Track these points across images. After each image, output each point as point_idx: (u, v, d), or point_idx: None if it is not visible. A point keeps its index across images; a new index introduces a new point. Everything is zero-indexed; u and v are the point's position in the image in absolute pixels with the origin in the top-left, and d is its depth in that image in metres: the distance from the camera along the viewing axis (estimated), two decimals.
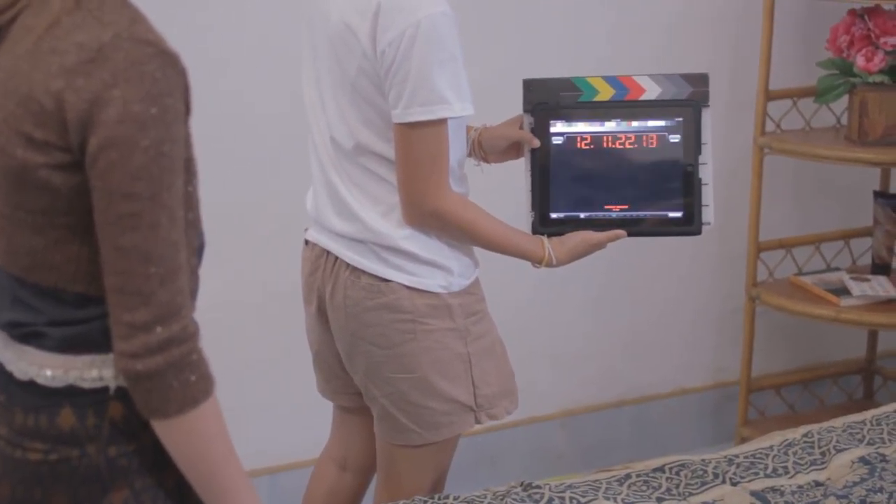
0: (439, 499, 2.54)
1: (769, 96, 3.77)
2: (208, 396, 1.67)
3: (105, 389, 1.71)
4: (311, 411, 3.07)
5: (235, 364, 3.30)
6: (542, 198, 2.69)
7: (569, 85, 2.72)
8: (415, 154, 2.37)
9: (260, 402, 3.49)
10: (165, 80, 1.61)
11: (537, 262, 2.64)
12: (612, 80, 2.75)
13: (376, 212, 2.46)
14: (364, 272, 2.49)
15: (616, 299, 3.99)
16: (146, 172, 1.59)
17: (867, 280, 3.83)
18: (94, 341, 1.69)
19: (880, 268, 3.94)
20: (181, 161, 1.65)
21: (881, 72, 3.59)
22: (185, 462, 1.71)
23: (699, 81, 2.75)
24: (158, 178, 1.60)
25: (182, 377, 1.64)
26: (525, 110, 2.70)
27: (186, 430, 1.67)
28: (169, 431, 1.68)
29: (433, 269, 2.50)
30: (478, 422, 2.60)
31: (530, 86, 2.70)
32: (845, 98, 3.74)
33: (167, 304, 1.62)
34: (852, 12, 3.65)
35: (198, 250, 1.76)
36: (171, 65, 1.63)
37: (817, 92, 3.74)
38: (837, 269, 4.00)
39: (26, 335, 1.72)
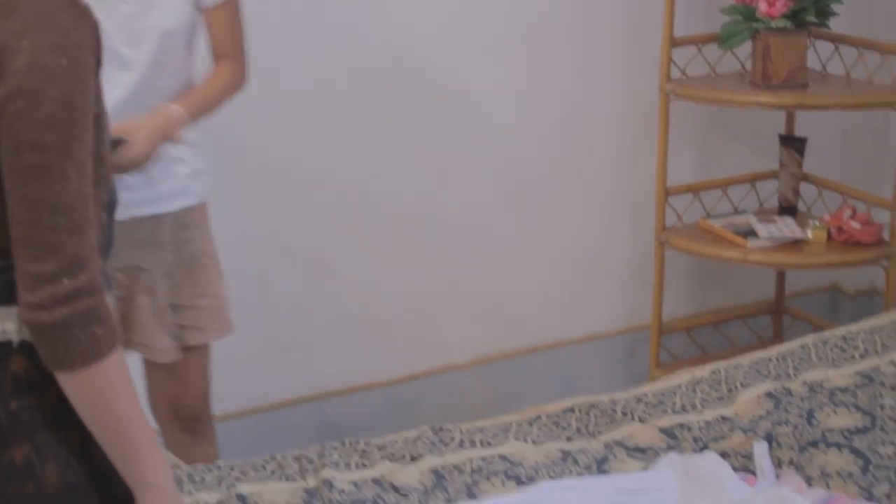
0: (350, 444, 2.55)
1: (674, 43, 3.79)
2: (113, 350, 1.66)
3: (8, 343, 1.70)
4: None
5: None
6: None
7: None
8: None
9: None
10: (76, 31, 1.60)
11: None
12: None
13: None
14: None
15: (527, 247, 4.01)
16: (55, 123, 1.58)
17: (774, 222, 3.88)
18: None
19: (786, 209, 4.00)
20: (91, 114, 1.64)
21: (783, 17, 3.63)
22: (90, 416, 1.69)
23: None
24: (68, 129, 1.59)
25: (88, 330, 1.63)
26: None
27: (91, 384, 1.66)
28: (74, 385, 1.66)
29: None
30: None
31: None
32: (749, 43, 3.78)
33: (74, 255, 1.61)
34: None
35: (108, 206, 1.75)
36: (82, 16, 1.62)
37: (721, 38, 3.77)
38: (745, 212, 4.05)
39: None
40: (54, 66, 1.57)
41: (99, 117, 1.69)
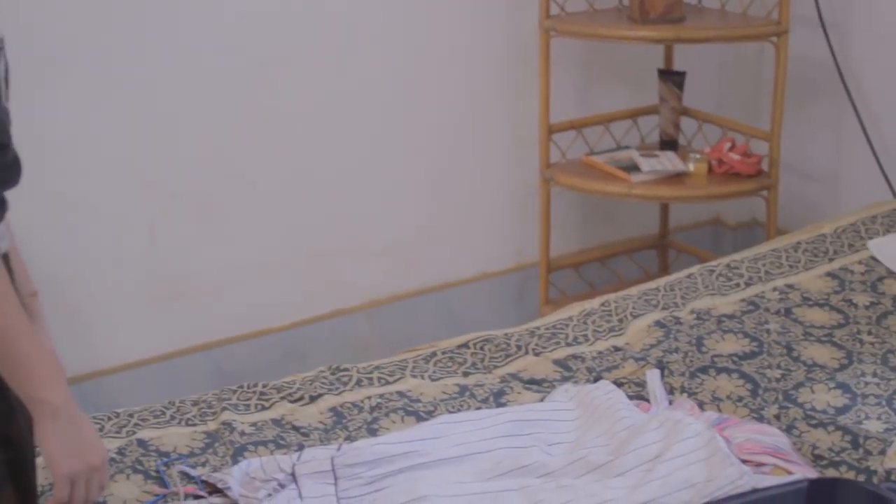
0: (248, 387, 2.56)
1: None
2: None
3: None
4: None
5: None
6: None
7: None
8: None
9: None
10: None
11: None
12: None
13: None
14: None
15: (415, 189, 4.03)
16: None
17: (656, 156, 3.93)
18: None
19: (668, 143, 4.05)
20: None
21: None
22: None
23: None
24: None
25: None
26: None
27: None
28: None
29: None
30: None
31: None
32: None
33: None
34: None
35: None
36: None
37: None
38: (627, 147, 4.10)
39: None
40: None
41: None
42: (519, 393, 2.58)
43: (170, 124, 3.53)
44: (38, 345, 1.71)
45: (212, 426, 2.42)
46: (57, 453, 1.74)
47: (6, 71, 1.85)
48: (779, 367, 2.63)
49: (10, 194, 1.80)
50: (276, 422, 2.45)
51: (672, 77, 4.03)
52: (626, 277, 4.31)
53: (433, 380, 2.63)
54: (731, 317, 2.84)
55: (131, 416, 2.45)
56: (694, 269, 3.14)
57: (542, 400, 2.55)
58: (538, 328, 2.88)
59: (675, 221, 4.50)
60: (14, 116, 1.92)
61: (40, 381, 1.71)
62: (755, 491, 1.98)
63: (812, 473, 2.20)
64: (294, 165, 3.78)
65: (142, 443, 2.34)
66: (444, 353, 2.76)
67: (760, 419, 2.45)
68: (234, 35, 3.57)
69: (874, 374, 2.60)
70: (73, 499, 1.78)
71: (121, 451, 2.31)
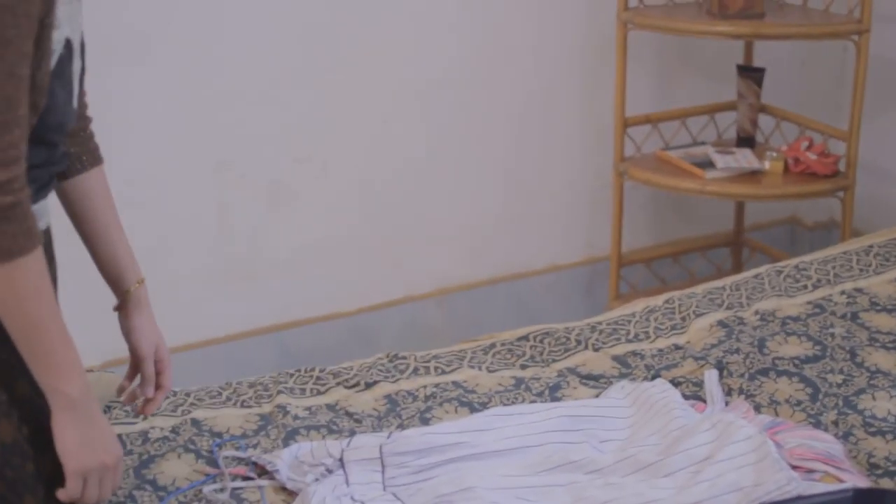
0: (305, 371, 2.57)
1: None
2: (27, 253, 1.66)
3: None
4: None
5: None
6: None
7: None
8: None
9: None
10: None
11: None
12: None
13: None
14: None
15: (489, 177, 4.03)
16: None
17: (732, 153, 3.90)
18: None
19: (744, 140, 4.02)
20: (30, 25, 1.64)
21: None
22: (2, 313, 1.70)
23: None
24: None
25: (3, 227, 1.63)
26: None
27: (3, 280, 1.66)
28: None
29: None
30: None
31: None
32: None
33: None
34: None
35: (44, 113, 1.75)
36: None
37: None
38: (703, 143, 4.07)
39: None
40: None
41: (41, 41, 1.69)
42: (575, 388, 2.57)
43: (240, 106, 3.56)
44: (65, 337, 1.74)
45: (266, 409, 2.44)
46: (71, 446, 1.76)
47: (82, 71, 1.87)
48: (841, 372, 2.59)
49: None
50: (331, 407, 2.46)
51: (751, 73, 3.99)
52: (699, 275, 4.28)
53: (490, 371, 2.63)
54: (795, 319, 2.81)
55: (188, 395, 2.48)
56: (762, 270, 3.10)
57: (597, 396, 2.53)
58: (600, 323, 2.86)
59: (751, 219, 4.46)
60: (89, 98, 1.94)
61: (59, 371, 1.73)
62: (799, 498, 1.96)
63: (864, 482, 2.17)
64: (365, 150, 3.79)
65: (196, 422, 2.36)
66: (503, 344, 2.75)
67: (818, 425, 2.42)
68: (308, 18, 3.59)
69: None
70: (85, 496, 1.79)
71: (175, 430, 2.33)
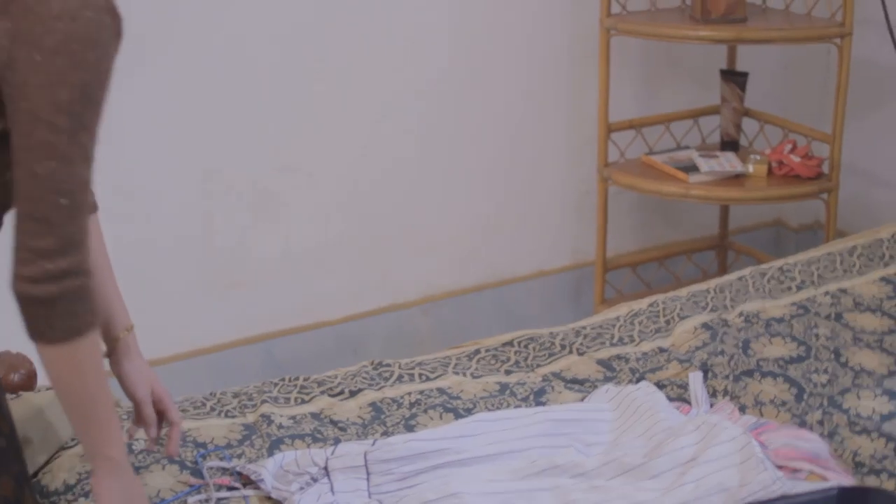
0: (289, 380, 2.57)
1: None
2: (90, 330, 1.74)
3: None
4: None
5: None
6: None
7: None
8: None
9: None
10: (107, 30, 1.67)
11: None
12: None
13: None
14: None
15: (474, 185, 4.03)
16: (71, 109, 1.64)
17: (716, 157, 3.90)
18: None
19: (728, 144, 4.02)
20: (102, 109, 1.70)
21: None
22: (60, 387, 1.78)
23: None
24: (80, 116, 1.65)
25: (72, 308, 1.70)
26: None
27: (65, 358, 1.74)
28: (49, 357, 1.74)
29: None
30: None
31: None
32: None
33: (71, 236, 1.69)
34: None
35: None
36: (115, 17, 1.69)
37: None
38: (687, 147, 4.07)
39: None
40: (81, 57, 1.63)
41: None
42: (560, 392, 2.57)
43: (227, 115, 3.55)
44: (112, 405, 1.84)
45: (250, 418, 2.44)
46: None
47: None
48: (825, 371, 2.59)
49: None
50: (315, 415, 2.45)
51: (734, 77, 4.00)
52: (685, 278, 4.29)
53: (475, 377, 2.63)
54: (779, 320, 2.81)
55: None
56: (746, 272, 3.10)
57: (582, 400, 2.53)
58: (584, 327, 2.86)
59: (735, 223, 4.47)
60: None
61: (110, 440, 1.85)
62: (785, 497, 1.96)
63: (849, 480, 2.17)
64: (351, 159, 3.79)
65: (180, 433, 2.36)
66: (487, 350, 2.75)
67: (803, 424, 2.43)
68: (295, 27, 3.59)
69: None
70: None
71: (158, 441, 2.32)
